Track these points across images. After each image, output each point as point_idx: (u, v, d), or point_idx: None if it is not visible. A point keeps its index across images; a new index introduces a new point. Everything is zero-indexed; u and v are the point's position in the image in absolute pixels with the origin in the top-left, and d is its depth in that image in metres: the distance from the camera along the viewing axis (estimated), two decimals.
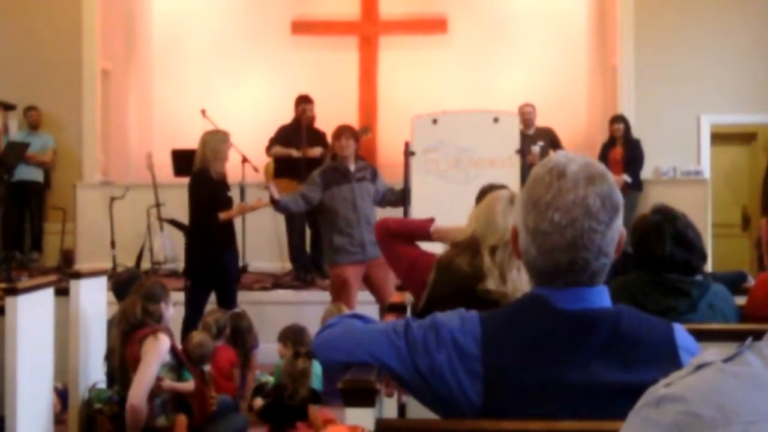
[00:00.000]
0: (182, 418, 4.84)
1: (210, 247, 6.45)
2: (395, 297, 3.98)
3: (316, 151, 8.24)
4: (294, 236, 8.26)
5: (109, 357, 5.18)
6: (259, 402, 5.69)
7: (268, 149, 8.37)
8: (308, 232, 8.45)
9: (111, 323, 5.59)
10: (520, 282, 2.97)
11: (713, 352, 1.04)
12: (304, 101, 8.58)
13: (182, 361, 4.96)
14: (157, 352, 4.72)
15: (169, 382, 4.82)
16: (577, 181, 1.61)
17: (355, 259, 6.32)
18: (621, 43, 10.21)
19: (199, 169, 6.49)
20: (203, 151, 6.47)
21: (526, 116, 9.57)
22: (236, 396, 5.77)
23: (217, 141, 6.49)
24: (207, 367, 5.28)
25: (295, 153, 8.20)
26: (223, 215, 6.44)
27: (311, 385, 5.39)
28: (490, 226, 3.03)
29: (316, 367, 5.39)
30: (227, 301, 6.53)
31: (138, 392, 4.66)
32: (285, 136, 8.27)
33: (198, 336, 5.36)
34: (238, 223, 8.59)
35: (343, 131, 6.50)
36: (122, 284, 5.91)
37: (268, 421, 5.45)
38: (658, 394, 1.01)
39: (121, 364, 4.82)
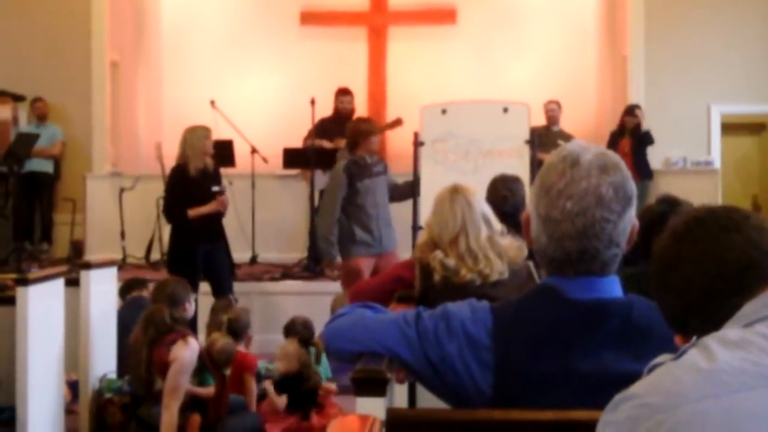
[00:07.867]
0: (196, 417, 4.83)
1: (185, 239, 6.49)
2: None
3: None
4: None
5: (126, 357, 5.12)
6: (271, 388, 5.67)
7: (306, 140, 8.37)
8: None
9: (120, 316, 5.61)
10: (498, 258, 3.07)
11: (665, 355, 1.18)
12: (342, 93, 8.56)
13: (206, 365, 4.94)
14: (189, 361, 4.70)
15: (189, 387, 4.80)
16: (591, 170, 1.61)
17: (372, 252, 6.34)
18: (631, 32, 10.16)
19: (176, 165, 6.60)
20: (183, 148, 6.57)
21: (550, 113, 9.50)
22: None
23: (195, 137, 6.58)
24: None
25: (327, 144, 8.19)
26: (192, 212, 6.44)
27: (319, 374, 5.41)
28: (442, 225, 3.18)
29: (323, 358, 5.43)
30: (221, 291, 6.55)
31: (172, 410, 4.63)
32: (324, 127, 8.25)
33: (221, 340, 5.25)
34: (247, 214, 8.65)
35: (374, 128, 6.45)
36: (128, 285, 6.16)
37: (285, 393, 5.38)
38: (616, 399, 1.15)
39: (147, 367, 4.77)
